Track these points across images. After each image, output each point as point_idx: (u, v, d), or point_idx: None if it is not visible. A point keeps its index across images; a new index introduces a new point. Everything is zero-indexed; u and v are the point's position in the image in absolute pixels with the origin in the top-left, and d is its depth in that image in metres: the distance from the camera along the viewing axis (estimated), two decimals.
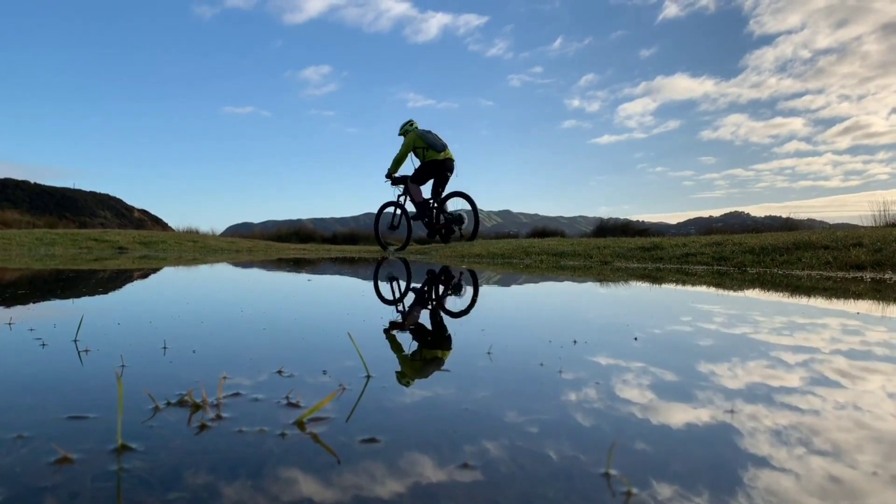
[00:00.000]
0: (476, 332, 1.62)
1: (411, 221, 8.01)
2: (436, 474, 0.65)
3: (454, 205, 7.77)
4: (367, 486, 0.61)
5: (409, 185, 7.76)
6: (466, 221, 7.69)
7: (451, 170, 7.59)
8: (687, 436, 0.79)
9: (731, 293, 3.04)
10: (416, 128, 7.70)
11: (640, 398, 0.97)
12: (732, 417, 0.87)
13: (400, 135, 7.82)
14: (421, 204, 7.77)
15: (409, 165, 7.81)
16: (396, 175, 7.87)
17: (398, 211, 8.09)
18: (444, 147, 7.48)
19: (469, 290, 3.10)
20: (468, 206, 7.64)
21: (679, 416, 0.88)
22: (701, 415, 0.88)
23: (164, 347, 1.29)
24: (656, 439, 0.77)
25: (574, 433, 0.79)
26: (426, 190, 7.84)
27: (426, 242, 8.13)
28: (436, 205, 7.80)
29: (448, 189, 7.75)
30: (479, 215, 7.75)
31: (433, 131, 7.60)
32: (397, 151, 7.73)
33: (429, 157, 7.49)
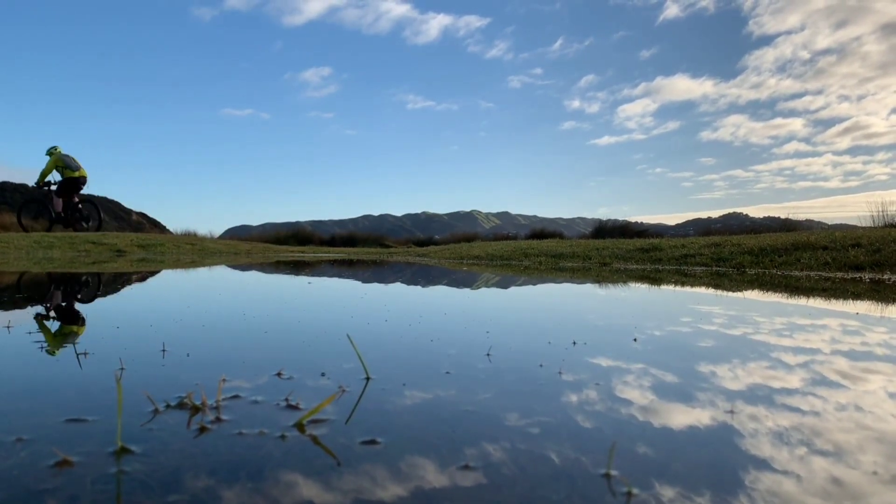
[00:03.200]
0: (475, 333, 1.62)
1: (52, 215, 11.07)
2: (436, 476, 0.65)
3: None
4: (367, 489, 0.61)
5: (54, 194, 10.93)
6: (92, 220, 11.40)
7: (83, 183, 11.04)
8: (687, 437, 0.79)
9: (731, 294, 3.05)
10: (59, 152, 10.88)
11: (641, 399, 0.97)
12: (732, 418, 0.87)
13: (46, 154, 10.91)
14: (62, 206, 10.97)
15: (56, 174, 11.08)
16: (44, 181, 10.98)
17: (43, 206, 11.33)
18: (78, 167, 10.90)
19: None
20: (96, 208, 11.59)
21: (679, 417, 0.88)
22: (701, 416, 0.88)
23: (164, 350, 1.29)
24: (657, 440, 0.77)
25: (575, 434, 0.79)
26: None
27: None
28: (71, 205, 11.08)
29: (81, 196, 11.28)
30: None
31: (71, 155, 10.98)
32: (44, 166, 10.84)
33: (67, 175, 10.82)
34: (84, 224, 11.30)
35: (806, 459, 0.71)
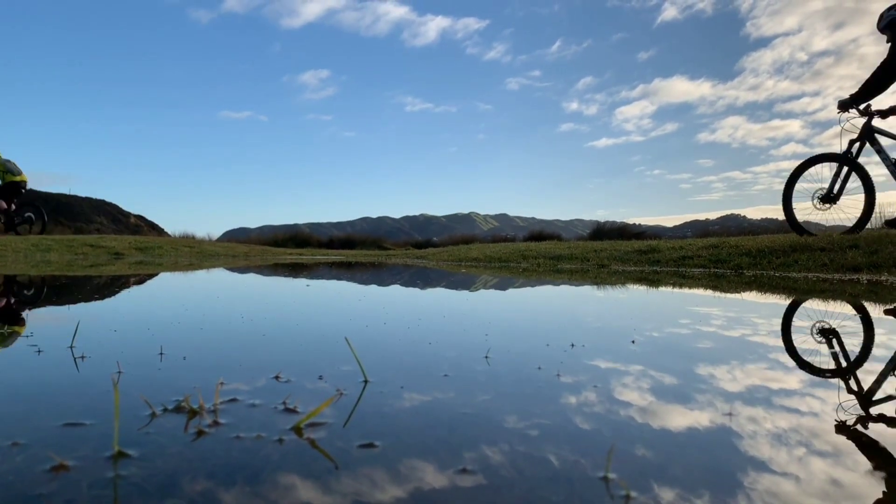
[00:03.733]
0: (473, 336, 1.62)
1: None
2: (435, 479, 0.65)
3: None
4: (365, 492, 0.61)
5: None
6: (35, 221, 11.78)
7: (24, 187, 11.50)
8: (686, 439, 0.79)
9: (729, 295, 3.05)
10: (0, 157, 11.31)
11: (639, 401, 0.97)
12: (731, 420, 0.87)
13: None
14: (4, 209, 11.40)
15: None
16: None
17: None
18: (19, 172, 11.39)
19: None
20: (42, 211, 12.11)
21: (678, 419, 0.88)
22: (700, 418, 0.88)
23: (161, 353, 1.28)
24: (655, 443, 0.77)
25: (573, 437, 0.79)
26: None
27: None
28: (14, 208, 11.50)
29: (23, 200, 11.78)
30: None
31: (12, 160, 11.42)
32: None
33: (8, 179, 11.24)
34: (27, 227, 11.75)
35: (805, 461, 0.71)
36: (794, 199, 5.63)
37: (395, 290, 3.59)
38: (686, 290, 3.37)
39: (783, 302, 2.73)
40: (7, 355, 1.28)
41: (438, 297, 3.09)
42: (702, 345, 1.53)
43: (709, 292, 3.22)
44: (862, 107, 5.26)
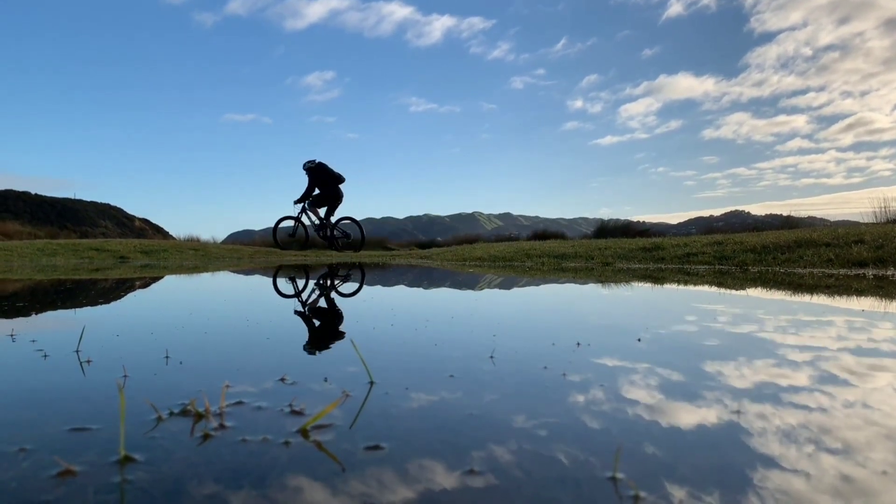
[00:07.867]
0: (479, 336, 1.62)
1: None
2: (442, 481, 0.64)
3: None
4: (372, 494, 0.61)
5: None
6: None
7: None
8: (694, 437, 0.79)
9: (734, 292, 3.04)
10: None
11: (646, 400, 0.96)
12: (740, 418, 0.86)
13: None
14: None
15: None
16: None
17: None
18: None
19: None
20: None
21: (686, 417, 0.87)
22: (708, 416, 0.88)
23: (167, 357, 1.28)
24: (663, 442, 0.76)
25: (580, 437, 0.78)
26: None
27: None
28: None
29: None
30: None
31: None
32: None
33: None
34: None
35: (815, 458, 0.71)
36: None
37: (401, 290, 3.59)
38: (691, 287, 3.36)
39: (789, 298, 2.71)
40: (13, 360, 1.28)
41: (444, 297, 3.09)
42: (708, 342, 1.52)
43: (714, 289, 3.21)
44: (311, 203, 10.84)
